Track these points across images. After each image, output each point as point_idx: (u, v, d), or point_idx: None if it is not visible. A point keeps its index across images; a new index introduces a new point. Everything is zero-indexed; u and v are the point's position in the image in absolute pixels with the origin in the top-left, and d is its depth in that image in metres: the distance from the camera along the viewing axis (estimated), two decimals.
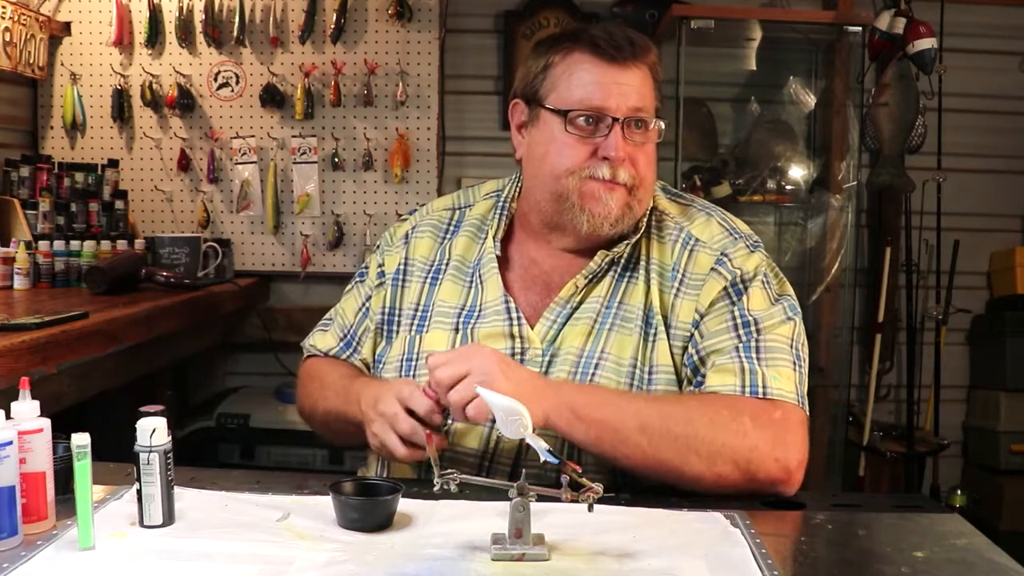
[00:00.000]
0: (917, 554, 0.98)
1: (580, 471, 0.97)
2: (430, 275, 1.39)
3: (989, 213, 3.35)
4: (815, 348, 3.17)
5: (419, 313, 1.37)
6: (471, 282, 1.36)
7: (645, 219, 1.33)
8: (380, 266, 1.45)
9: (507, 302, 1.31)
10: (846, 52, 3.14)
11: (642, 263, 1.32)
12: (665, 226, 1.34)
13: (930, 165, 3.06)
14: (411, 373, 1.32)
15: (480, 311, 1.33)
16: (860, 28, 3.04)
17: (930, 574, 0.93)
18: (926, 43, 2.88)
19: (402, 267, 1.41)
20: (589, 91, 1.25)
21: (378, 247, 1.48)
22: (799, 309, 1.29)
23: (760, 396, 1.19)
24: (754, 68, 3.23)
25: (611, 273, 1.32)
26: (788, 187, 3.18)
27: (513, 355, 1.28)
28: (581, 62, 1.26)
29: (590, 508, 0.97)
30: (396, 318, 1.39)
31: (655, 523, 1.06)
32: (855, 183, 3.13)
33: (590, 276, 1.30)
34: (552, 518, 1.05)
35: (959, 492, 3.14)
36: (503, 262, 1.35)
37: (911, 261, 3.19)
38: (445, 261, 1.39)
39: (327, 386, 1.40)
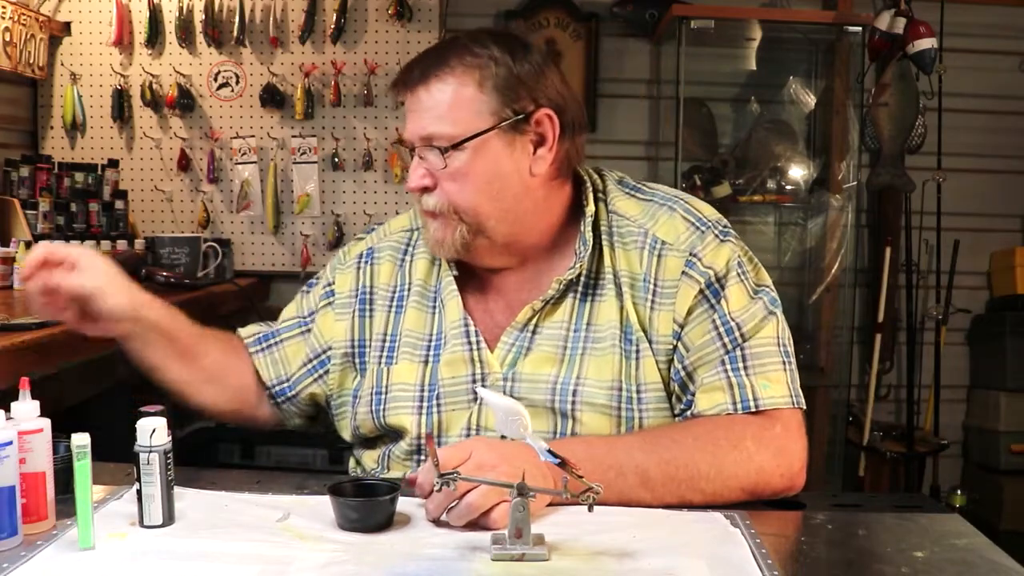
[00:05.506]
0: (917, 554, 0.98)
1: (580, 471, 0.97)
2: (394, 302, 1.33)
3: (989, 213, 3.35)
4: (815, 348, 3.18)
5: (387, 344, 1.32)
6: (434, 307, 1.31)
7: (590, 233, 1.25)
8: (329, 284, 1.38)
9: (466, 324, 1.27)
10: (846, 52, 3.15)
11: (608, 277, 1.24)
12: (627, 232, 1.26)
13: (930, 165, 3.06)
14: (381, 407, 1.28)
15: (445, 337, 1.28)
16: (860, 28, 3.04)
17: (930, 574, 0.93)
18: (926, 43, 2.89)
19: (366, 295, 1.35)
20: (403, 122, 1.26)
21: (331, 264, 1.42)
22: (778, 299, 1.24)
23: (753, 410, 1.17)
24: (754, 68, 3.23)
25: (571, 295, 1.25)
26: (788, 187, 3.18)
27: (474, 382, 1.24)
28: None
29: (590, 508, 0.97)
30: (366, 350, 1.33)
31: (655, 523, 1.06)
32: (855, 183, 3.13)
33: (546, 301, 1.25)
34: (552, 518, 1.05)
35: (959, 492, 3.14)
36: (462, 281, 1.30)
37: (911, 261, 3.19)
38: (407, 286, 1.34)
39: None
